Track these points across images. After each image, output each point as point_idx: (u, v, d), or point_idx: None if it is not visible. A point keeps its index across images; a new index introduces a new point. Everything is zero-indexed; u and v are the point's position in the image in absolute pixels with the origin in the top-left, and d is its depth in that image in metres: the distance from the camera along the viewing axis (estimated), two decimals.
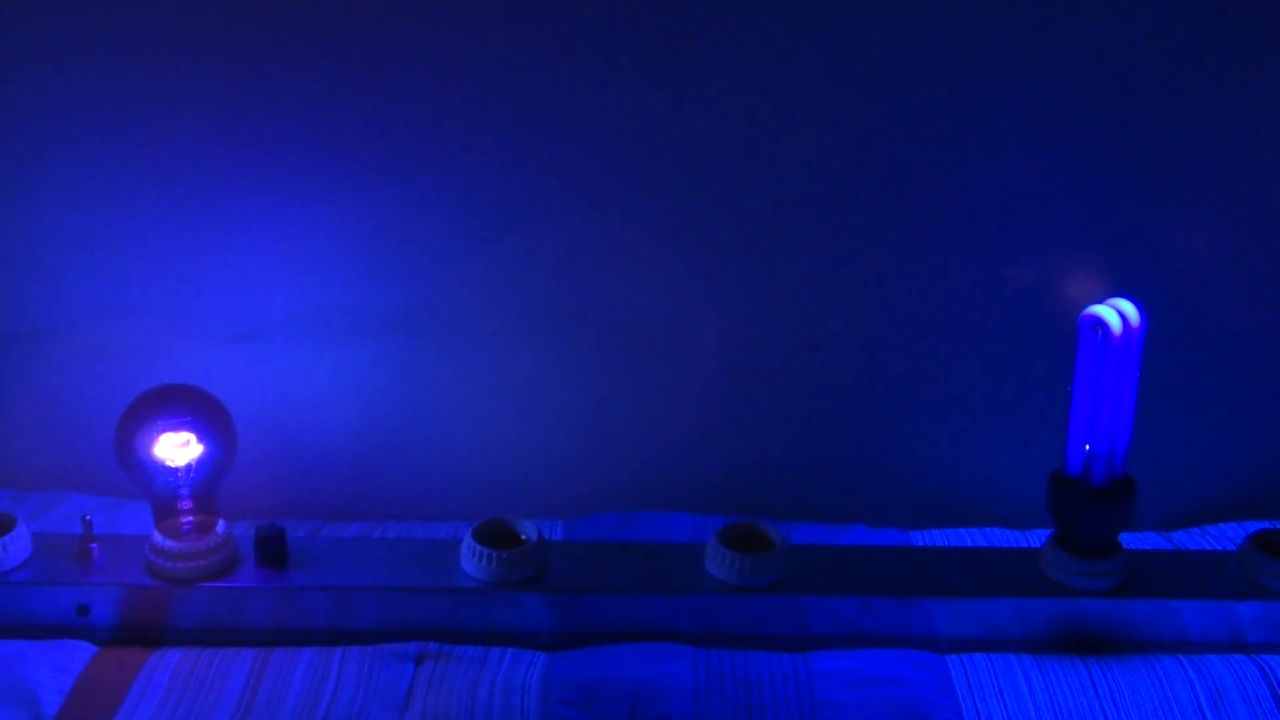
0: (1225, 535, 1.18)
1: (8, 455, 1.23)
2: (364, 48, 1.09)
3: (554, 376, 1.21)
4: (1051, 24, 1.08)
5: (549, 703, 0.96)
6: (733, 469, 1.24)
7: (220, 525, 1.04)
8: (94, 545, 1.04)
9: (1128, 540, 1.05)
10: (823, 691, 0.98)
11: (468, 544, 1.04)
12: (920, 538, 1.18)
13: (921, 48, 1.09)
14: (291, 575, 1.04)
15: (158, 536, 1.03)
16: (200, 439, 1.01)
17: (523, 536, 1.05)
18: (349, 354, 1.20)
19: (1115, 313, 0.98)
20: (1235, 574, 1.05)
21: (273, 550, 1.04)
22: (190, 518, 1.03)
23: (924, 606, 1.02)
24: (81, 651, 1.01)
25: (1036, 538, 1.16)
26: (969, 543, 1.17)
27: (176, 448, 1.01)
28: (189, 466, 1.01)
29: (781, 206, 1.15)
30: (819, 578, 1.04)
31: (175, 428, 1.01)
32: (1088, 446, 1.02)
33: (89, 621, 1.03)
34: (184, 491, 1.02)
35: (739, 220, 1.15)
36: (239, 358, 1.19)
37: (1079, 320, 0.99)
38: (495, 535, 1.05)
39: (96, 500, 1.20)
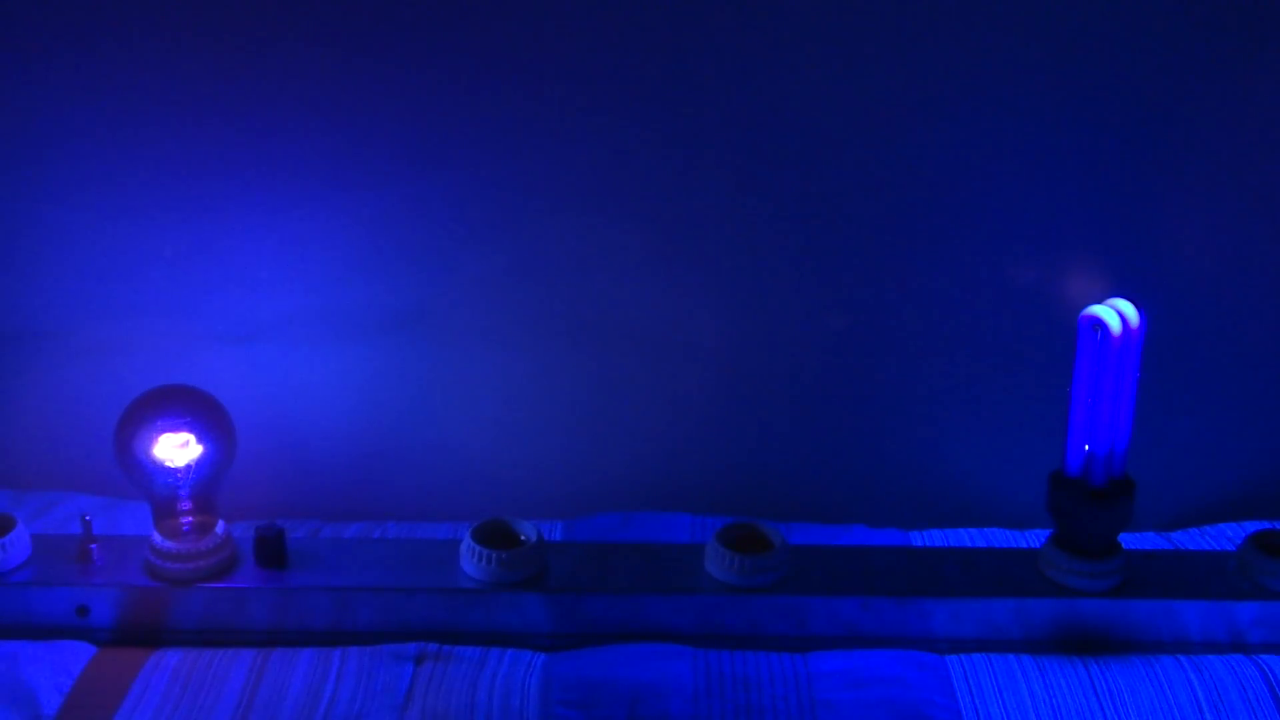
0: (1225, 535, 1.18)
1: (8, 455, 1.23)
2: (364, 48, 1.09)
3: (554, 376, 1.21)
4: (1052, 24, 1.08)
5: (548, 703, 0.96)
6: (733, 469, 1.24)
7: (220, 526, 1.04)
8: (93, 546, 1.04)
9: (1127, 540, 1.05)
10: (822, 692, 0.98)
11: (467, 544, 1.04)
12: (920, 538, 1.18)
13: (921, 47, 1.09)
14: (291, 575, 1.04)
15: (157, 537, 1.03)
16: (200, 439, 1.01)
17: (522, 537, 1.05)
18: (349, 354, 1.20)
19: (1115, 313, 0.98)
20: (1235, 574, 1.05)
21: (272, 550, 1.04)
22: (190, 518, 1.03)
23: (923, 607, 1.02)
24: (81, 652, 1.01)
25: (1036, 538, 1.16)
26: (969, 543, 1.17)
27: (176, 448, 1.01)
28: (188, 467, 1.01)
29: (781, 205, 1.15)
30: (819, 578, 1.04)
31: (175, 428, 1.01)
32: (1087, 447, 1.01)
33: (88, 622, 1.03)
34: (183, 492, 1.02)
35: (738, 220, 1.15)
36: (239, 358, 1.19)
37: (1079, 320, 0.99)
38: (495, 535, 1.05)
39: (96, 500, 1.20)
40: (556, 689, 0.98)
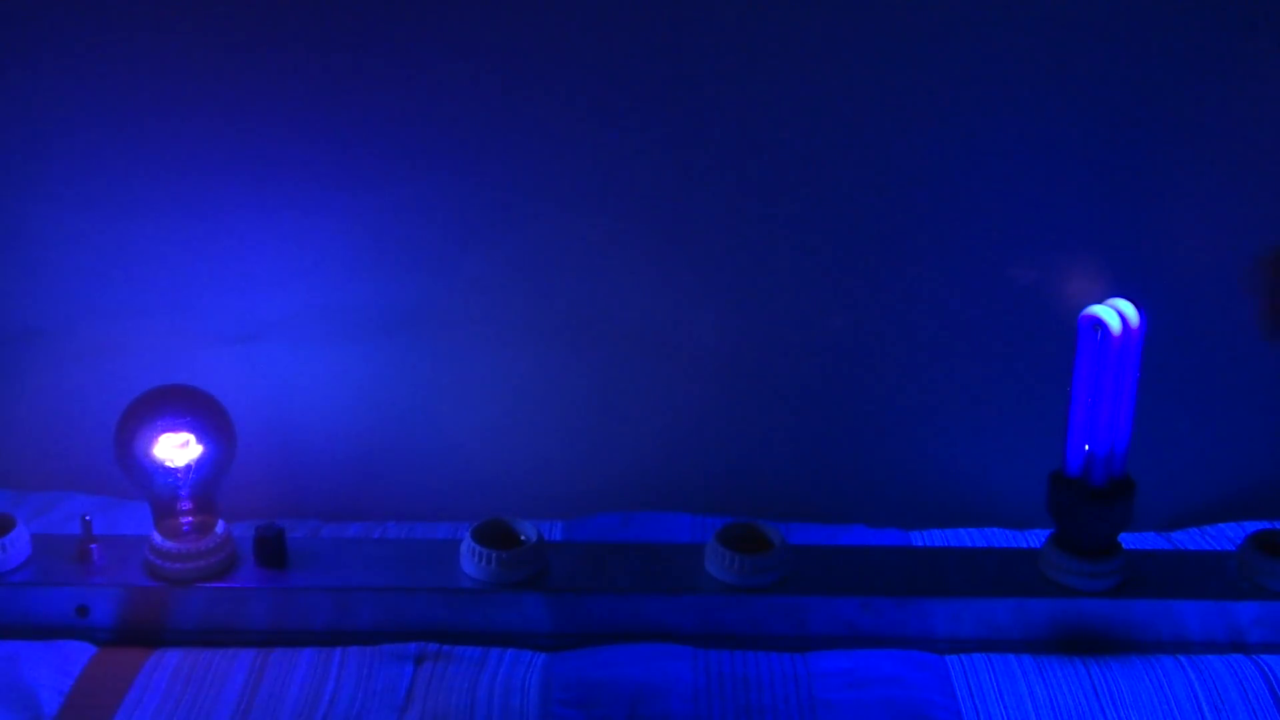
0: (1225, 535, 1.18)
1: (8, 455, 1.23)
2: (364, 48, 1.09)
3: (554, 376, 1.21)
4: (1051, 23, 1.08)
5: (548, 703, 0.96)
6: (733, 469, 1.24)
7: (220, 525, 1.04)
8: (93, 546, 1.04)
9: (1127, 540, 1.05)
10: (822, 692, 0.98)
11: (467, 544, 1.04)
12: (920, 538, 1.18)
13: (921, 46, 1.09)
14: (291, 575, 1.04)
15: (157, 537, 1.03)
16: (200, 439, 1.01)
17: (522, 537, 1.05)
18: (349, 354, 1.20)
19: (1115, 313, 0.98)
20: (1235, 574, 1.05)
21: (272, 550, 1.04)
22: (190, 518, 1.03)
23: (923, 606, 1.02)
24: (81, 652, 1.01)
25: (1036, 538, 1.16)
26: (969, 543, 1.17)
27: (176, 448, 1.01)
28: (188, 467, 1.01)
29: (781, 206, 1.15)
30: (819, 578, 1.04)
31: (175, 428, 1.01)
32: (1087, 447, 1.01)
33: (88, 622, 1.03)
34: (183, 492, 1.02)
35: (738, 220, 1.15)
36: (239, 358, 1.19)
37: (1079, 320, 0.99)
38: (495, 535, 1.05)
39: (96, 500, 1.20)
40: (556, 689, 0.98)
